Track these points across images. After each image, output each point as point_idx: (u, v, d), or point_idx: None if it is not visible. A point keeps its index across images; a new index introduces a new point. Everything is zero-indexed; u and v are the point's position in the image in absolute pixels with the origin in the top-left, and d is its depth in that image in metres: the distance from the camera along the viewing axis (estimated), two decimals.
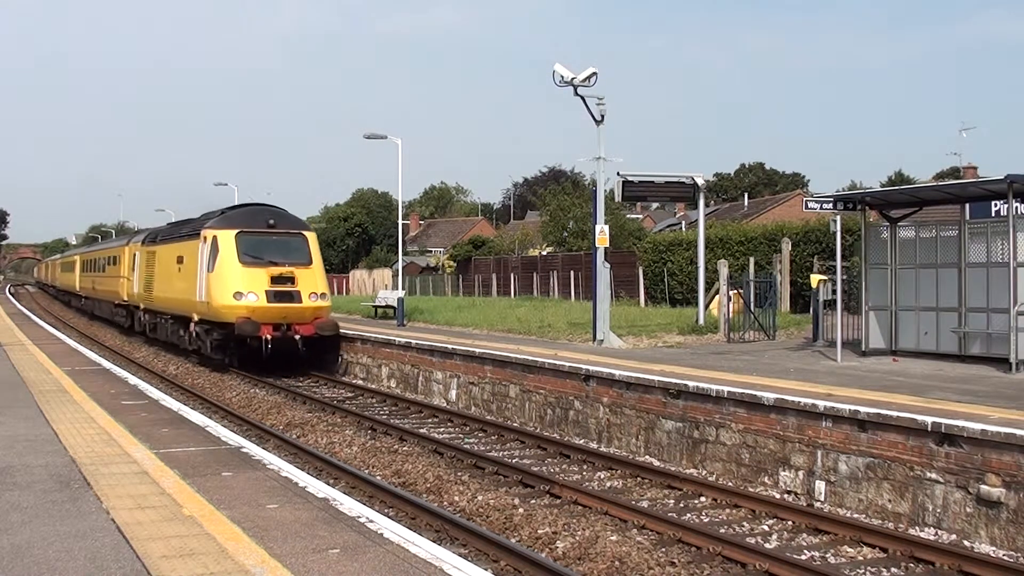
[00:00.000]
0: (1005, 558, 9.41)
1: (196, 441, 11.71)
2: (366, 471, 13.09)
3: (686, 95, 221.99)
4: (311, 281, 24.77)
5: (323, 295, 24.87)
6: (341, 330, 26.06)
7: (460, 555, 8.11)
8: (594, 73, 20.97)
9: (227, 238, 24.90)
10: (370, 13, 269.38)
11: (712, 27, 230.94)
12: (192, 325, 26.58)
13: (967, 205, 21.40)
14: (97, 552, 6.93)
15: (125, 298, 37.44)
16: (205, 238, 25.64)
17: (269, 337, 23.69)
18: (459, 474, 12.96)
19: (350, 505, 8.62)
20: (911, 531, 10.41)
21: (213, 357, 25.41)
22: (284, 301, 24.08)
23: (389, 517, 9.08)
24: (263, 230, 25.37)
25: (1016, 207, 16.11)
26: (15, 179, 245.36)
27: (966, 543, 9.96)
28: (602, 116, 21.45)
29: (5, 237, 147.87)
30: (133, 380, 18.51)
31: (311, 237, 26.02)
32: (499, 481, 12.85)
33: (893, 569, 9.29)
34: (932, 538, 10.09)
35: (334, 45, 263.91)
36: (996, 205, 21.09)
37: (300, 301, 24.24)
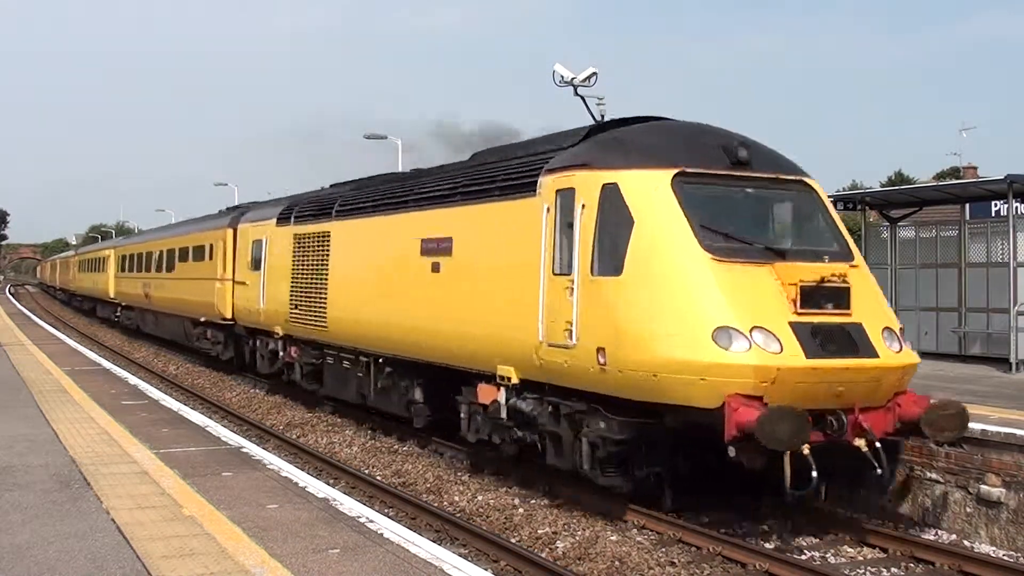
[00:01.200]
0: (1005, 558, 9.41)
1: (196, 441, 11.73)
2: (366, 471, 13.08)
3: (686, 95, 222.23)
4: (871, 299, 10.11)
5: (901, 331, 10.11)
6: None
7: (460, 555, 8.11)
8: (594, 73, 20.89)
9: (652, 188, 10.04)
10: (370, 13, 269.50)
11: (712, 28, 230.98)
12: (499, 393, 11.61)
13: (967, 205, 21.39)
14: (97, 552, 6.94)
15: (227, 315, 22.73)
16: (563, 191, 10.79)
17: (807, 450, 8.86)
18: (459, 474, 12.95)
19: (350, 505, 8.63)
20: (911, 531, 10.40)
21: (598, 481, 10.50)
22: (840, 352, 9.37)
23: (389, 517, 9.09)
24: (729, 172, 10.36)
25: (1016, 207, 16.15)
26: (15, 179, 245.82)
27: (966, 543, 9.95)
28: (602, 116, 21.43)
29: (5, 237, 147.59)
30: (133, 380, 18.54)
31: (819, 191, 11.00)
32: (499, 481, 12.84)
33: (893, 569, 9.28)
34: (932, 538, 10.09)
35: (334, 45, 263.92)
36: (996, 205, 21.10)
37: (872, 353, 9.50)
